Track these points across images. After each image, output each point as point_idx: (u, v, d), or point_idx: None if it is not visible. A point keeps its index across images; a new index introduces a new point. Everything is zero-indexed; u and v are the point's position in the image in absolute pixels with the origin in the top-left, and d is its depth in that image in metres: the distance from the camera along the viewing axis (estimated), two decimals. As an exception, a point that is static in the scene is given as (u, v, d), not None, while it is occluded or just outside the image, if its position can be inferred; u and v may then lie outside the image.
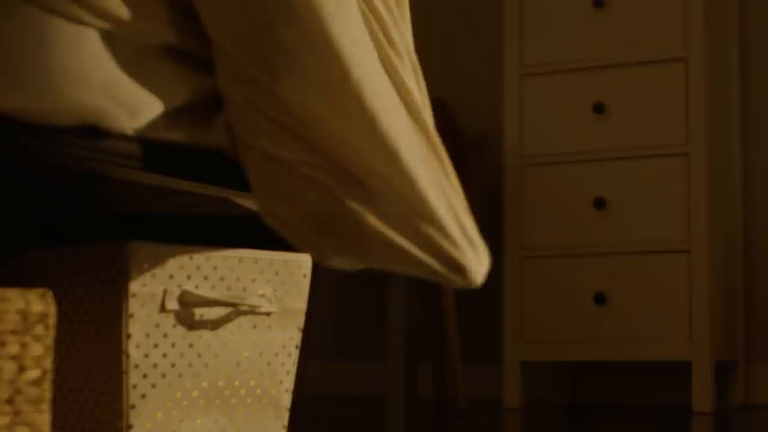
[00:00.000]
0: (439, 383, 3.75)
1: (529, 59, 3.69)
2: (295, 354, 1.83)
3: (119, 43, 1.35)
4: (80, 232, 1.88)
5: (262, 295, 1.77)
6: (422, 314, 4.02)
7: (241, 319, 1.76)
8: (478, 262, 1.42)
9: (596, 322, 3.52)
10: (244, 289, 1.76)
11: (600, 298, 3.51)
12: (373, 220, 1.34)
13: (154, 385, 1.69)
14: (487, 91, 4.18)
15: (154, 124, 1.42)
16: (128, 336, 1.66)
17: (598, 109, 3.55)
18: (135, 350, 1.67)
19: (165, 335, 1.70)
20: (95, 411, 1.70)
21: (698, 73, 3.47)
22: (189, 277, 1.71)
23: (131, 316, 1.66)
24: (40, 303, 1.40)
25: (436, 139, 1.41)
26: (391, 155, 1.33)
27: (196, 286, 1.72)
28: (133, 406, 1.67)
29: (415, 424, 2.06)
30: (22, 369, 1.37)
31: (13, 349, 1.37)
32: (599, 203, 3.54)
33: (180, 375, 1.72)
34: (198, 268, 1.72)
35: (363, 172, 1.33)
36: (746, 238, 3.78)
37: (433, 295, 3.68)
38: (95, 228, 1.88)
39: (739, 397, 3.70)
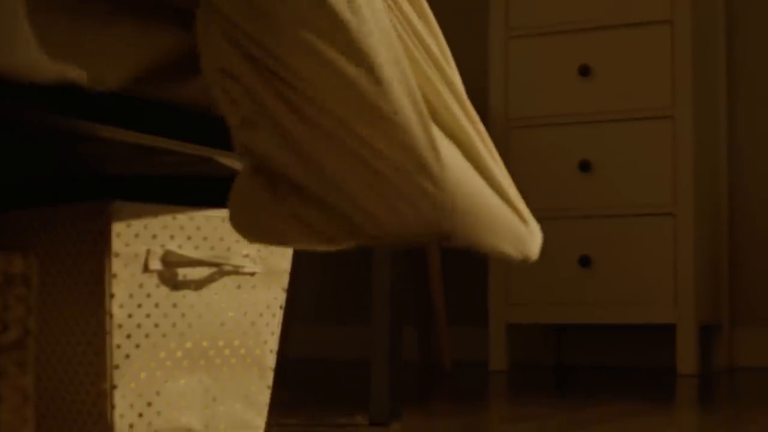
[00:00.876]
0: (424, 346, 3.76)
1: (515, 21, 3.67)
2: (279, 314, 1.82)
3: None
4: (63, 192, 1.87)
5: (246, 255, 1.77)
6: (408, 277, 4.02)
7: (225, 279, 1.76)
8: (535, 237, 1.45)
9: (581, 285, 3.53)
10: (228, 249, 1.75)
11: (585, 261, 3.51)
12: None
13: (138, 346, 1.68)
14: (472, 53, 4.17)
15: (133, 79, 1.40)
16: (111, 296, 1.65)
17: (584, 71, 3.54)
18: (118, 310, 1.66)
19: (148, 295, 1.69)
20: (79, 372, 1.70)
21: (684, 35, 3.46)
22: (172, 237, 1.70)
23: (114, 276, 1.65)
24: (21, 263, 1.39)
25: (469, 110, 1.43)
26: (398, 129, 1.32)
27: (180, 246, 1.71)
28: (117, 367, 1.66)
29: (400, 387, 2.06)
30: (4, 329, 1.36)
31: (-5, 307, 1.36)
32: (584, 166, 3.53)
33: (164, 335, 1.71)
34: (181, 228, 1.71)
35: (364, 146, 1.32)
36: (731, 201, 3.78)
37: (419, 257, 3.68)
38: (77, 189, 1.87)
39: (724, 360, 3.72)
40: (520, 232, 1.40)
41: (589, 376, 3.34)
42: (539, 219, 3.59)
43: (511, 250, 1.38)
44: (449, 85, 1.43)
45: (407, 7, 1.42)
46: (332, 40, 1.28)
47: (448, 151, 1.35)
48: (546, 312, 3.57)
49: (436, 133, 1.35)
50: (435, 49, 1.42)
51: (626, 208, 3.50)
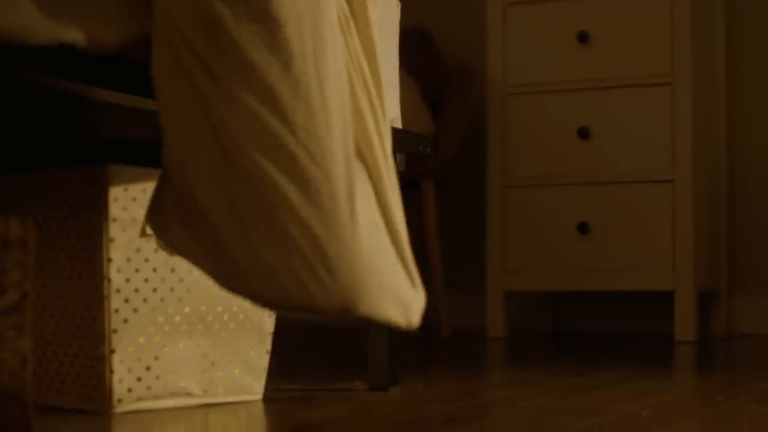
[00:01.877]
0: (423, 314, 3.76)
1: (514, -12, 3.65)
2: (277, 279, 1.82)
3: None
4: (59, 156, 1.86)
5: (244, 220, 1.76)
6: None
7: (223, 244, 1.75)
8: (419, 303, 1.51)
9: (580, 252, 3.53)
10: (226, 214, 1.74)
11: (583, 228, 3.51)
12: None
13: (136, 310, 1.68)
14: (471, 19, 4.15)
15: (130, 42, 1.40)
16: (109, 260, 1.65)
17: (583, 38, 3.53)
18: (116, 275, 1.66)
19: (146, 260, 1.69)
20: (77, 336, 1.70)
21: (684, 2, 3.44)
22: (170, 202, 1.69)
23: (112, 240, 1.65)
24: (19, 227, 1.39)
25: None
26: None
27: (177, 211, 1.70)
28: (115, 331, 1.66)
29: (399, 355, 2.07)
30: (2, 293, 1.36)
31: (-8, 270, 1.36)
32: (583, 133, 3.53)
33: (162, 300, 1.71)
34: (179, 192, 1.70)
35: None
36: (730, 167, 3.78)
37: (417, 225, 3.68)
38: (74, 152, 1.86)
39: (721, 328, 3.72)
40: (409, 301, 1.47)
41: (587, 343, 3.35)
42: (538, 186, 3.59)
43: (400, 318, 1.44)
44: (381, 138, 1.48)
45: (365, 67, 1.48)
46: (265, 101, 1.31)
47: (369, 209, 1.40)
48: (544, 279, 3.57)
49: (361, 189, 1.40)
50: (378, 104, 1.48)
51: (625, 174, 3.49)
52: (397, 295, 1.44)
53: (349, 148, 1.38)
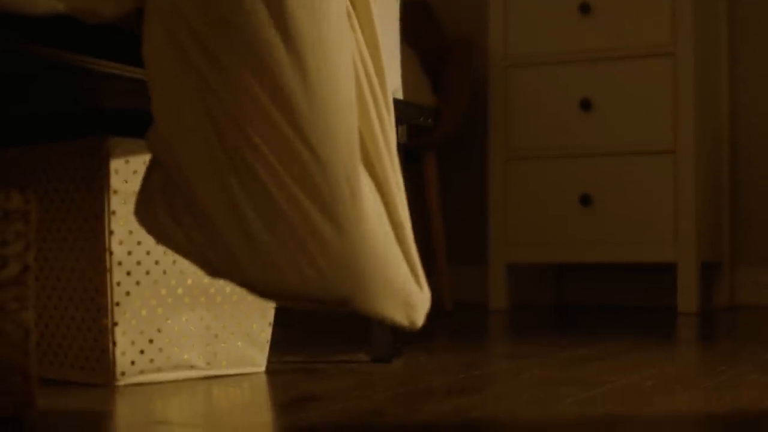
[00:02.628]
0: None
1: (515, -41, 3.64)
2: (279, 251, 1.81)
3: None
4: (58, 128, 1.85)
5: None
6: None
7: (225, 216, 1.75)
8: (425, 303, 1.51)
9: (582, 224, 3.53)
10: (228, 186, 1.74)
11: (586, 200, 3.50)
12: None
13: (138, 283, 1.68)
14: (473, -7, 4.13)
15: (128, 12, 1.38)
16: (111, 233, 1.65)
17: (584, 8, 3.52)
18: (118, 247, 1.66)
19: (148, 232, 1.69)
20: (80, 309, 1.70)
21: (685, -28, 3.43)
22: (171, 174, 1.69)
23: (113, 213, 1.65)
24: (20, 199, 1.39)
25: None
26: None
27: (179, 183, 1.69)
28: (117, 304, 1.66)
29: (400, 327, 2.06)
30: (3, 265, 1.36)
31: (-6, 243, 1.36)
32: (585, 104, 3.52)
33: (164, 272, 1.71)
34: (180, 164, 1.70)
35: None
36: (732, 138, 3.77)
37: (418, 198, 3.67)
38: (73, 124, 1.86)
39: (724, 299, 3.73)
40: (414, 301, 1.45)
41: (589, 315, 3.35)
42: (540, 158, 3.58)
43: (401, 317, 1.43)
44: (385, 135, 1.47)
45: (369, 64, 1.46)
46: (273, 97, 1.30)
47: (371, 204, 1.39)
48: (546, 251, 3.57)
49: (364, 184, 1.38)
50: (382, 100, 1.46)
51: (627, 146, 3.49)
52: (401, 293, 1.43)
53: (354, 142, 1.37)
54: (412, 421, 1.37)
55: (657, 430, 1.29)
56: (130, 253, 1.67)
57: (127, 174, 1.66)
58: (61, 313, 1.72)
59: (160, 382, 1.72)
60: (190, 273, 1.74)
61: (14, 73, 1.37)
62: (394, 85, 2.03)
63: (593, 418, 1.37)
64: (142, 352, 1.69)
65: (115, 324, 1.65)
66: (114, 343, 1.66)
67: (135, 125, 1.82)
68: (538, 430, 1.32)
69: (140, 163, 1.67)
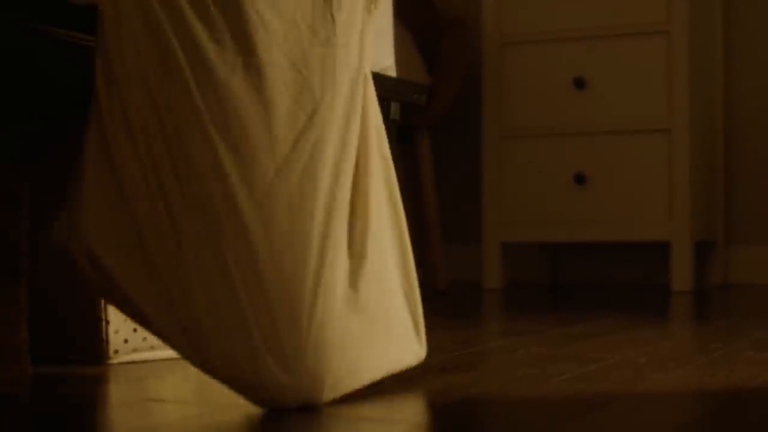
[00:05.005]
0: (419, 265, 3.76)
1: (509, -63, 3.62)
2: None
3: None
4: (56, 108, 1.84)
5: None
6: (401, 196, 4.02)
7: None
8: (422, 348, 1.50)
9: (576, 203, 3.52)
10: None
11: (580, 178, 3.50)
12: None
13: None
14: (467, -29, 4.12)
15: None
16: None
17: (579, -13, 3.51)
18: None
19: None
20: (73, 287, 1.69)
21: (680, -51, 3.42)
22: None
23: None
24: (12, 179, 1.38)
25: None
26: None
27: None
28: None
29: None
30: (-5, 243, 1.35)
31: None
32: (579, 82, 3.51)
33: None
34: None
35: None
36: (727, 116, 3.76)
37: (413, 176, 3.67)
38: (71, 104, 1.84)
39: (718, 278, 3.72)
40: (403, 358, 1.43)
41: (583, 294, 3.35)
42: (534, 136, 3.57)
43: (386, 372, 1.40)
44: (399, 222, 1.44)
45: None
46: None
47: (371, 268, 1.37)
48: (540, 230, 3.57)
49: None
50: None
51: (621, 124, 3.48)
52: (386, 357, 1.41)
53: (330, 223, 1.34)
54: (409, 398, 1.37)
55: (651, 407, 1.30)
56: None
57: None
58: (54, 291, 1.71)
59: (153, 360, 1.71)
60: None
61: (9, 47, 1.36)
62: (387, 63, 2.02)
63: (587, 395, 1.37)
64: (135, 330, 1.69)
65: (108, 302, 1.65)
66: (107, 322, 1.66)
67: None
68: (533, 406, 1.32)
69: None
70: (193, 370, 1.58)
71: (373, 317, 1.38)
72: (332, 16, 1.36)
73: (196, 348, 1.23)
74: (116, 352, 1.67)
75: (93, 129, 1.27)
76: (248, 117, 1.27)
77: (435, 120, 3.61)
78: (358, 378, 1.33)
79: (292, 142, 1.31)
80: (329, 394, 1.29)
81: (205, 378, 1.37)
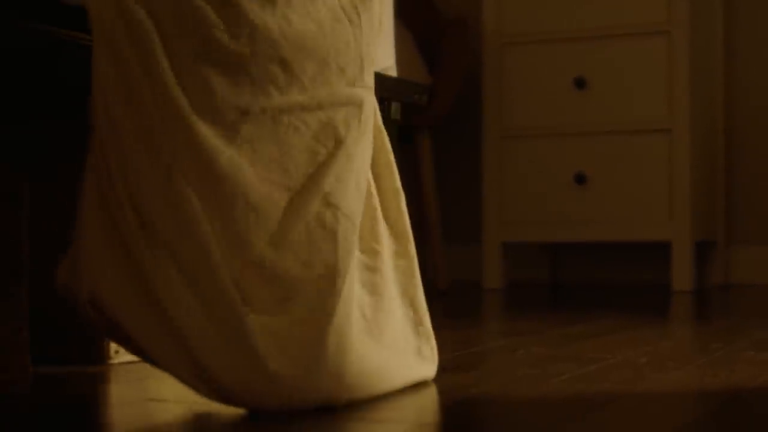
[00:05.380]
0: (419, 265, 3.76)
1: (510, -63, 3.62)
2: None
3: None
4: (55, 108, 1.84)
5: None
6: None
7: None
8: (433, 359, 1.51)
9: (577, 203, 3.52)
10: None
11: (580, 179, 3.50)
12: None
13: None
14: (467, -29, 4.12)
15: None
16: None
17: (579, -13, 3.51)
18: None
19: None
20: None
21: (680, -51, 3.41)
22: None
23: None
24: (12, 179, 1.38)
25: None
26: None
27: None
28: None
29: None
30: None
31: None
32: (580, 82, 3.51)
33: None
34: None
35: None
36: (728, 116, 3.76)
37: (413, 176, 3.67)
38: (71, 104, 1.84)
39: (719, 277, 3.72)
40: (413, 374, 1.43)
41: (584, 294, 3.35)
42: (534, 136, 3.57)
43: (401, 384, 1.41)
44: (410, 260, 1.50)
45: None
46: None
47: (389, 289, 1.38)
48: (541, 230, 3.57)
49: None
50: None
51: (622, 124, 3.48)
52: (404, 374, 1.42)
53: None
54: (409, 398, 1.37)
55: (651, 407, 1.29)
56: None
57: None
58: (54, 290, 1.71)
59: (155, 361, 1.71)
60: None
61: (7, 47, 1.36)
62: (388, 63, 2.02)
63: (588, 395, 1.37)
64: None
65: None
66: (108, 322, 1.65)
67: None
68: (533, 406, 1.32)
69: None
70: (193, 370, 1.58)
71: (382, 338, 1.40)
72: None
73: (206, 381, 1.23)
74: (117, 351, 1.67)
75: (89, 168, 1.27)
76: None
77: (435, 120, 3.61)
78: (379, 384, 1.35)
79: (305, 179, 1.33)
80: (345, 395, 1.30)
81: (206, 378, 1.36)
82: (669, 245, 3.47)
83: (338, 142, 1.35)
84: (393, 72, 2.04)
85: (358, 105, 1.38)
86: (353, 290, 1.34)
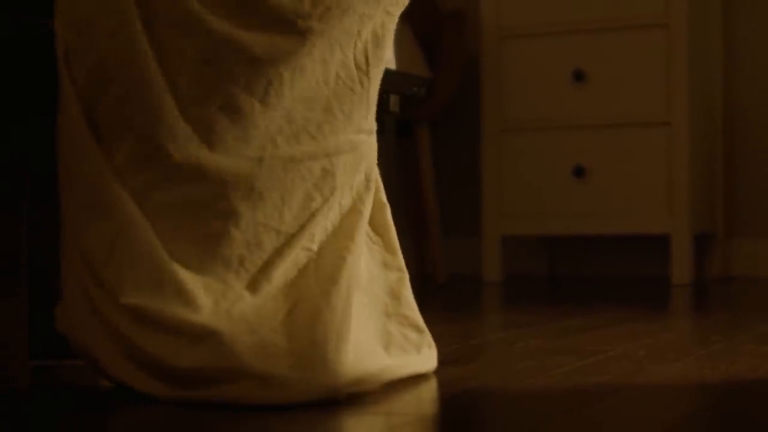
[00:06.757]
0: (418, 258, 3.76)
1: (508, -70, 3.62)
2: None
3: None
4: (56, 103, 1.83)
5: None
6: (401, 189, 4.02)
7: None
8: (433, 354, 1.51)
9: (576, 196, 3.52)
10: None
11: (579, 172, 3.50)
12: None
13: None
14: (466, -36, 4.12)
15: None
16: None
17: (578, -20, 3.50)
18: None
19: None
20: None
21: (679, -58, 3.41)
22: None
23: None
24: (12, 178, 1.38)
25: None
26: None
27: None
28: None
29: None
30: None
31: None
32: (578, 75, 3.50)
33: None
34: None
35: None
36: (727, 109, 3.76)
37: (412, 169, 3.67)
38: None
39: (718, 270, 3.72)
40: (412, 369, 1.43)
41: (583, 287, 3.35)
42: (533, 130, 3.57)
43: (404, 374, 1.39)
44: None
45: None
46: None
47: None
48: (540, 223, 3.57)
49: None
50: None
51: (621, 117, 3.48)
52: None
53: None
54: (408, 390, 1.37)
55: (651, 399, 1.29)
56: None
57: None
58: (53, 285, 1.71)
59: (154, 354, 1.71)
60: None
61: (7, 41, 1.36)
62: (387, 56, 2.02)
63: (587, 387, 1.37)
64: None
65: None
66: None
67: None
68: (532, 398, 1.32)
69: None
70: (192, 364, 1.58)
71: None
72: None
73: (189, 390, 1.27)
74: (116, 345, 1.66)
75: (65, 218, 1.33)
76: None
77: (434, 113, 3.61)
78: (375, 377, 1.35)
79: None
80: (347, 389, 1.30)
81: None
82: (668, 238, 3.47)
83: (333, 190, 1.37)
84: (392, 65, 2.04)
85: (360, 152, 1.39)
86: (353, 290, 1.35)
